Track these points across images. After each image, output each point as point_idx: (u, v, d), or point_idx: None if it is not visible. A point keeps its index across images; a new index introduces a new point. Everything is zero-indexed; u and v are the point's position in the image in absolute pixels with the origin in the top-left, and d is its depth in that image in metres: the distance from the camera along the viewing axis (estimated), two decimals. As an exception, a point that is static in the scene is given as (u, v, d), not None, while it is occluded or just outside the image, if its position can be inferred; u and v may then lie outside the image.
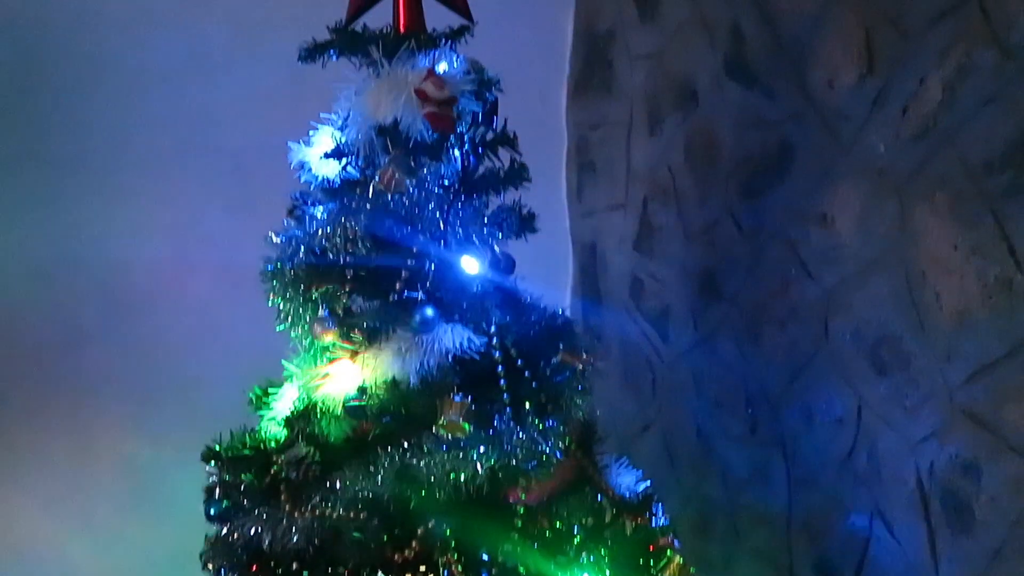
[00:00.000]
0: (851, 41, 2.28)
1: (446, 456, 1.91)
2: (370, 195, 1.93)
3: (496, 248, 2.04)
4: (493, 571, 1.93)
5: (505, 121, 2.04)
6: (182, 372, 2.96)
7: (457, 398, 1.90)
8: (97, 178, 2.93)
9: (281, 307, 2.00)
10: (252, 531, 1.97)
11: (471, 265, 1.98)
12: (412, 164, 1.89)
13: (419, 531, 1.91)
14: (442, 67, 1.95)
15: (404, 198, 1.93)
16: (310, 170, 2.04)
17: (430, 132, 1.91)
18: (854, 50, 2.27)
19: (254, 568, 1.99)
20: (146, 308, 3.00)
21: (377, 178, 1.91)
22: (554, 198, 3.35)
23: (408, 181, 1.90)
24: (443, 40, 2.00)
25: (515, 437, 1.93)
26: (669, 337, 2.95)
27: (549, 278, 3.29)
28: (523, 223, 2.07)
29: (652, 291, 3.02)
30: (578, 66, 3.28)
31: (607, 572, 1.99)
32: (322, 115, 2.04)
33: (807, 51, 2.41)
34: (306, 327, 1.99)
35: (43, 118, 2.90)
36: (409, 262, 1.94)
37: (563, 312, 2.11)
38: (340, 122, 2.01)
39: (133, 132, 2.95)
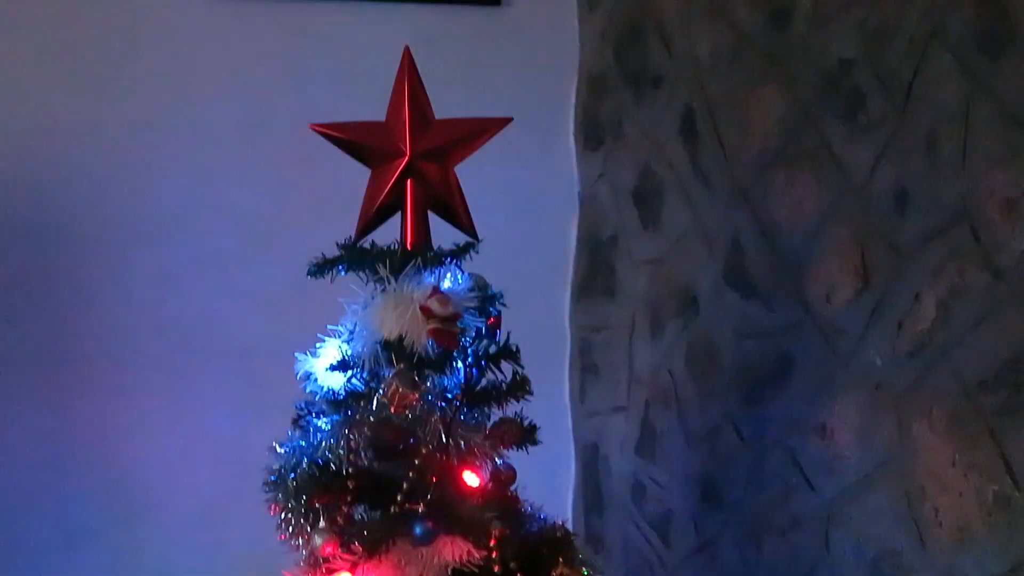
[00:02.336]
0: (847, 256, 2.33)
1: (444, 673, 1.89)
2: (374, 407, 1.96)
3: (497, 459, 2.05)
4: None
5: (508, 335, 2.08)
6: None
7: (456, 612, 1.90)
8: (104, 377, 2.96)
9: (283, 516, 2.00)
10: None
11: (472, 478, 2.00)
12: (416, 378, 1.93)
13: None
14: (447, 284, 2.01)
15: (407, 411, 1.96)
16: (316, 381, 2.08)
17: (434, 348, 1.95)
18: (850, 265, 2.33)
19: None
20: (149, 508, 3.00)
21: (381, 391, 1.95)
22: (557, 399, 3.38)
23: (412, 394, 1.94)
24: (448, 258, 2.05)
25: (514, 653, 1.91)
26: (671, 542, 2.93)
27: (552, 479, 3.30)
28: (524, 435, 2.09)
29: (654, 495, 3.02)
30: (581, 271, 3.35)
31: None
32: (329, 327, 2.09)
33: (805, 264, 2.46)
34: (307, 537, 2.00)
35: (52, 319, 2.95)
36: (411, 474, 1.96)
37: (563, 523, 2.12)
38: (346, 335, 2.05)
39: (142, 333, 3.00)
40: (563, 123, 3.31)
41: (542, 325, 3.31)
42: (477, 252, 2.09)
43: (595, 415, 3.29)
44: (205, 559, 2.96)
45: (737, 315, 2.69)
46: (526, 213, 3.26)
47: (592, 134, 3.27)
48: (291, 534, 2.01)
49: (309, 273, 2.08)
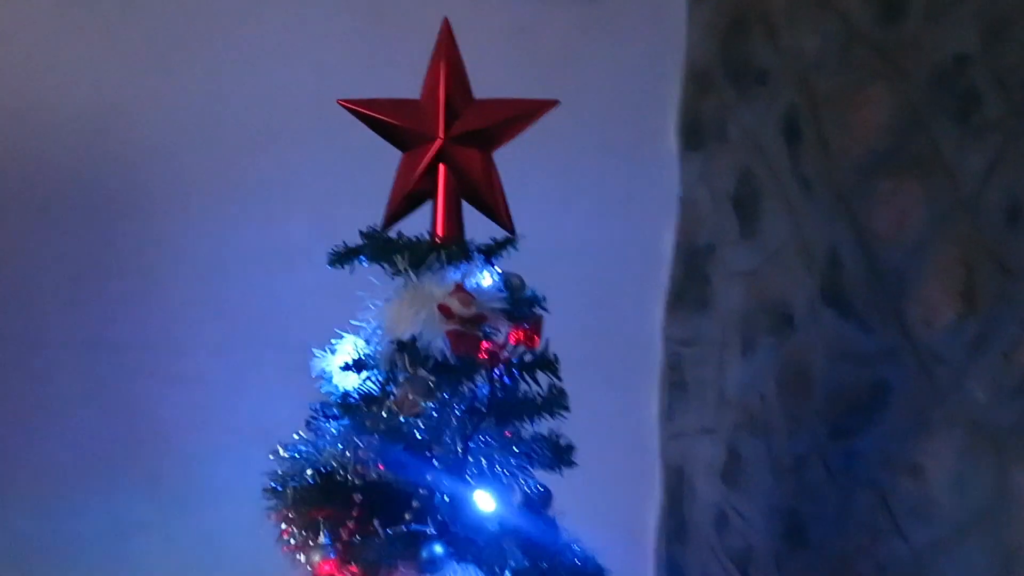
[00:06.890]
0: (951, 277, 2.08)
1: None
2: (385, 415, 1.76)
3: (525, 481, 1.83)
4: None
5: (547, 343, 1.86)
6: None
7: (460, 651, 1.70)
8: (161, 364, 2.83)
9: (282, 527, 1.82)
10: None
11: (490, 501, 1.77)
12: (430, 386, 1.72)
13: None
14: (475, 282, 1.79)
15: (420, 421, 1.75)
16: (330, 380, 1.89)
17: (451, 352, 1.74)
18: (954, 288, 2.07)
19: None
20: (202, 500, 2.87)
21: (393, 397, 1.74)
22: (645, 415, 3.14)
23: (425, 404, 1.72)
24: (475, 252, 1.83)
25: None
26: (752, 580, 2.70)
27: (636, 499, 3.07)
28: (557, 455, 1.85)
29: (736, 528, 2.77)
30: (676, 279, 3.11)
31: None
32: (351, 322, 1.90)
33: (905, 284, 2.21)
34: (306, 552, 1.81)
35: (111, 302, 2.83)
36: (421, 491, 1.75)
37: (595, 558, 1.88)
38: (367, 332, 1.85)
39: (203, 320, 2.86)
40: (663, 121, 3.07)
41: (632, 335, 3.08)
42: (516, 249, 1.87)
43: (681, 435, 3.05)
44: (256, 553, 2.81)
45: (832, 336, 2.44)
46: (621, 215, 3.03)
47: (694, 133, 3.03)
48: (291, 547, 1.82)
49: (329, 263, 1.90)
